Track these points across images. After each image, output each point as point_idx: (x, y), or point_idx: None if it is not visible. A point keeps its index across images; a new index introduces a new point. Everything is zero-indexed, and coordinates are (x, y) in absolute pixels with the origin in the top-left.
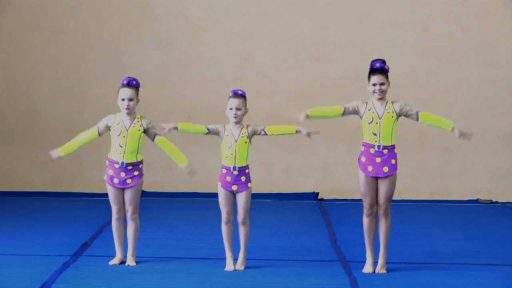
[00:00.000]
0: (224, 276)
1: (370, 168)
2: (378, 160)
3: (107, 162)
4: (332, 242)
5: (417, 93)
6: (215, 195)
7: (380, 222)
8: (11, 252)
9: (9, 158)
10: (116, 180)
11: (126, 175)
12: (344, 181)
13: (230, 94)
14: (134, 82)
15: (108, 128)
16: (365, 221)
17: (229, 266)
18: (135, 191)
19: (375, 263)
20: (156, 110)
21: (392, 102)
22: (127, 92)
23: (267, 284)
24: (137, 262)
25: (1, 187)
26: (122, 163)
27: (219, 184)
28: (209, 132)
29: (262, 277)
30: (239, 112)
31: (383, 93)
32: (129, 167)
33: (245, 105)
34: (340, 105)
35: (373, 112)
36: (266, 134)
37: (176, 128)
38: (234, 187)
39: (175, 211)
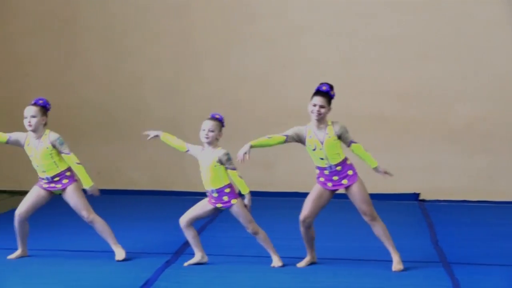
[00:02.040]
0: (320, 275)
1: (330, 184)
2: (335, 178)
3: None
4: (434, 243)
5: None
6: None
7: (373, 228)
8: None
9: (113, 157)
10: (45, 185)
11: (55, 184)
12: (447, 181)
13: (208, 117)
14: (40, 102)
15: (17, 142)
16: (300, 229)
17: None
18: (73, 195)
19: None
20: (257, 109)
21: (332, 123)
22: (30, 110)
23: (366, 284)
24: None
25: (105, 185)
26: (47, 177)
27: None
28: (188, 151)
29: (361, 277)
30: (210, 134)
31: (320, 115)
32: (56, 179)
33: (220, 129)
34: (282, 134)
35: (314, 139)
36: (231, 168)
37: (158, 136)
38: (219, 205)
39: (272, 211)
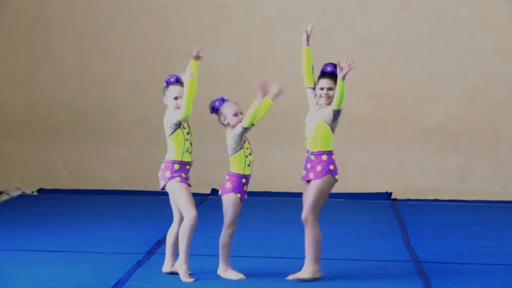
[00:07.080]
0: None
1: (303, 173)
2: (308, 165)
3: (177, 166)
4: (405, 242)
5: (494, 94)
6: (286, 195)
7: (305, 232)
8: (86, 249)
9: (85, 156)
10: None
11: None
12: (419, 181)
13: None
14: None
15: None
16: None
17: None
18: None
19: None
20: None
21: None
22: (178, 90)
23: (340, 284)
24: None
25: (77, 185)
26: (191, 162)
27: (238, 195)
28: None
29: (334, 277)
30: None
31: (330, 98)
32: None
33: None
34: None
35: (309, 113)
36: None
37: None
38: (246, 197)
39: (245, 210)
